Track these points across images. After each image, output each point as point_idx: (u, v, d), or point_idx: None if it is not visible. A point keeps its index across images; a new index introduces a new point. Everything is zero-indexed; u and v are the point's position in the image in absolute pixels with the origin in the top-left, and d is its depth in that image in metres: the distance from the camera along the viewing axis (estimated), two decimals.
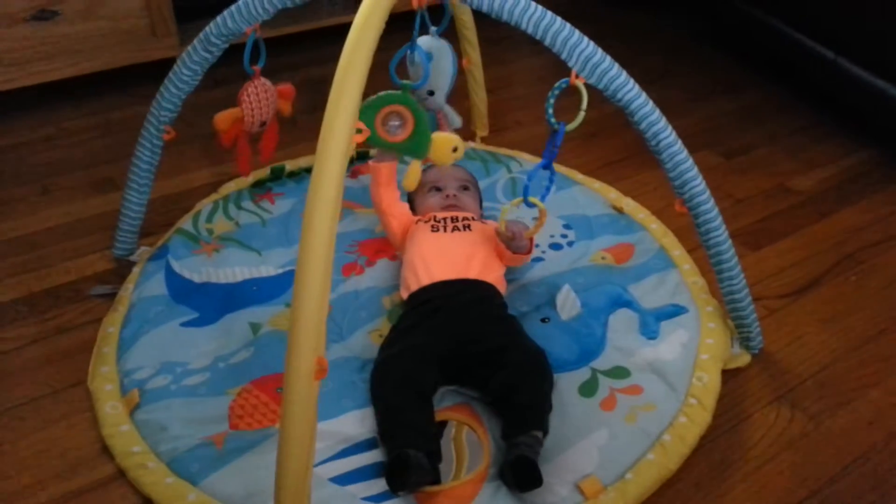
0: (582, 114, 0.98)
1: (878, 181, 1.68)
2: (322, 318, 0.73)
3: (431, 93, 1.34)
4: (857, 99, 1.80)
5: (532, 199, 1.08)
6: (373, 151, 1.21)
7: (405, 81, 1.04)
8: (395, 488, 0.94)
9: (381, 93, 0.98)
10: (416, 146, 1.02)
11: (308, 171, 1.59)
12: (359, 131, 0.77)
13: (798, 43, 1.88)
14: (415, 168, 1.06)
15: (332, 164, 0.73)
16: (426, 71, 1.12)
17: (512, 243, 1.18)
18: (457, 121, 1.38)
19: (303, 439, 0.74)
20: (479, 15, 1.42)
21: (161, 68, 1.97)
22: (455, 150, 1.05)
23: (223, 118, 1.27)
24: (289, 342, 0.73)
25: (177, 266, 1.33)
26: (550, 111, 0.99)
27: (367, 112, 0.99)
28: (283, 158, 1.61)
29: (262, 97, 1.28)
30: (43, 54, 1.79)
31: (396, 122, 1.00)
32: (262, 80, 1.29)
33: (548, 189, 1.09)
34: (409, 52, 1.23)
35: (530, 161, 1.67)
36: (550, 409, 1.05)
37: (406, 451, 0.93)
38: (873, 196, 1.63)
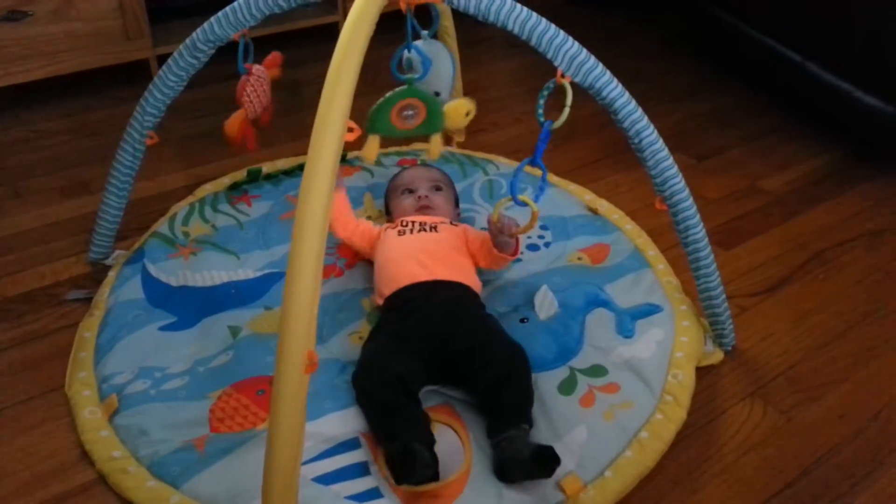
0: (567, 110, 1.00)
1: (845, 181, 1.73)
2: (313, 311, 0.73)
3: (437, 94, 1.36)
4: (824, 101, 1.84)
5: (522, 198, 1.08)
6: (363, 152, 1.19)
7: (408, 75, 1.06)
8: (399, 480, 0.94)
9: (388, 93, 1.03)
10: (431, 124, 1.09)
11: (286, 173, 1.60)
12: (350, 130, 0.79)
13: (767, 47, 1.92)
14: (374, 141, 1.09)
15: (325, 158, 0.74)
16: (426, 64, 1.15)
17: (499, 236, 1.17)
18: None
19: (292, 433, 0.74)
20: (454, 17, 1.44)
21: (134, 70, 1.97)
22: (468, 114, 1.11)
23: (232, 125, 1.28)
24: (280, 335, 0.73)
25: (153, 270, 1.32)
26: (541, 111, 1.01)
27: (382, 112, 1.03)
28: (260, 161, 1.60)
29: (258, 88, 1.28)
30: (14, 55, 1.77)
31: (411, 112, 1.04)
32: (255, 70, 1.29)
33: (542, 190, 1.09)
34: (405, 52, 1.24)
35: (507, 164, 1.69)
36: (532, 402, 1.07)
37: (413, 443, 0.93)
38: (840, 196, 1.67)
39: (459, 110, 1.12)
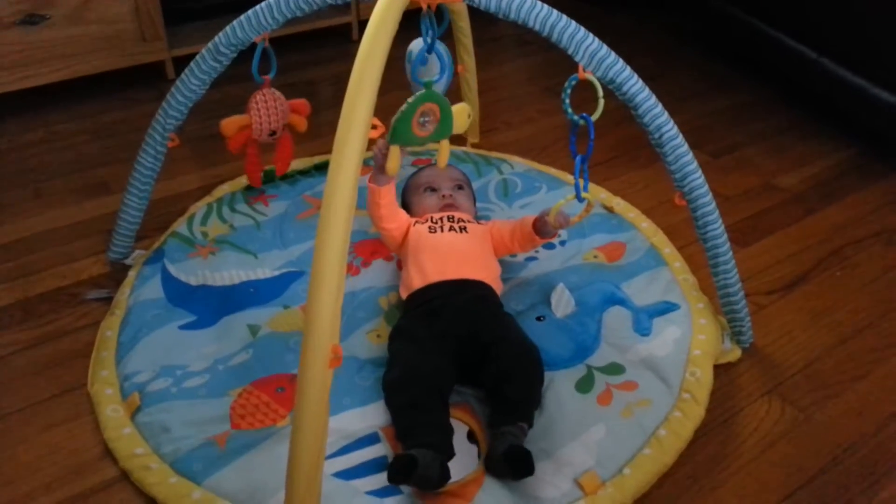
0: (601, 102, 1.01)
1: (861, 178, 1.72)
2: (338, 306, 0.74)
3: None
4: (840, 98, 1.84)
5: (585, 195, 1.12)
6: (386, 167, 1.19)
7: (426, 79, 1.06)
8: (393, 481, 0.94)
9: (409, 100, 1.02)
10: (442, 129, 1.08)
11: (301, 173, 1.61)
12: (374, 127, 0.80)
13: (782, 43, 1.92)
14: (395, 153, 1.09)
15: (349, 156, 0.75)
16: (442, 65, 1.15)
17: (552, 230, 1.22)
18: None
19: (316, 427, 0.75)
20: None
21: (150, 72, 1.99)
22: (469, 116, 1.10)
23: (229, 124, 1.29)
24: (305, 329, 0.74)
25: (173, 269, 1.33)
26: (569, 109, 1.03)
27: (404, 121, 1.02)
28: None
29: (270, 106, 1.29)
30: (32, 58, 1.79)
31: (428, 118, 1.04)
32: (273, 90, 1.30)
33: (585, 182, 1.12)
34: (411, 51, 1.25)
35: (521, 163, 1.69)
36: (538, 404, 1.07)
37: (414, 455, 0.93)
38: (857, 193, 1.67)
39: (462, 113, 1.11)
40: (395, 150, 1.05)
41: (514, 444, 0.97)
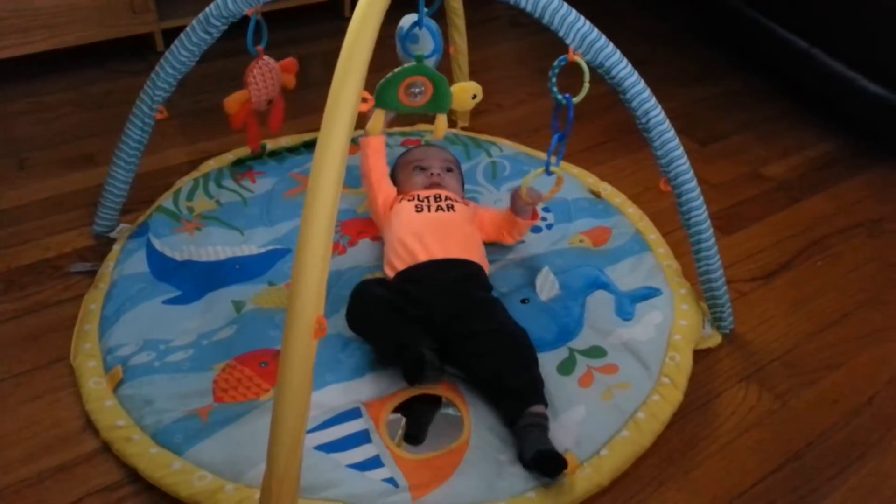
0: (586, 86, 1.02)
1: (847, 169, 1.73)
2: (323, 277, 0.74)
3: None
4: (829, 89, 1.84)
5: (553, 170, 1.15)
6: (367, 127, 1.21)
7: (417, 53, 1.07)
8: (412, 381, 1.03)
9: (397, 69, 1.03)
10: (439, 103, 1.10)
11: (290, 150, 1.60)
12: (364, 100, 0.80)
13: (773, 33, 1.92)
14: (379, 116, 1.11)
15: (337, 133, 0.75)
16: (436, 43, 1.15)
17: (526, 207, 1.25)
18: None
19: (299, 398, 0.76)
20: None
21: (139, 44, 1.96)
22: (474, 96, 1.12)
23: (233, 102, 1.30)
24: (290, 300, 0.74)
25: (158, 244, 1.33)
26: (555, 88, 1.04)
27: (389, 88, 1.03)
28: (264, 138, 1.60)
29: (267, 76, 1.30)
30: (18, 27, 1.76)
31: (418, 89, 1.04)
32: (266, 58, 1.31)
33: (558, 159, 1.15)
34: (402, 28, 1.25)
35: (510, 146, 1.69)
36: (543, 383, 1.07)
37: (421, 350, 1.00)
38: (842, 183, 1.68)
39: (466, 92, 1.12)
40: (378, 113, 1.07)
41: (541, 449, 0.97)
